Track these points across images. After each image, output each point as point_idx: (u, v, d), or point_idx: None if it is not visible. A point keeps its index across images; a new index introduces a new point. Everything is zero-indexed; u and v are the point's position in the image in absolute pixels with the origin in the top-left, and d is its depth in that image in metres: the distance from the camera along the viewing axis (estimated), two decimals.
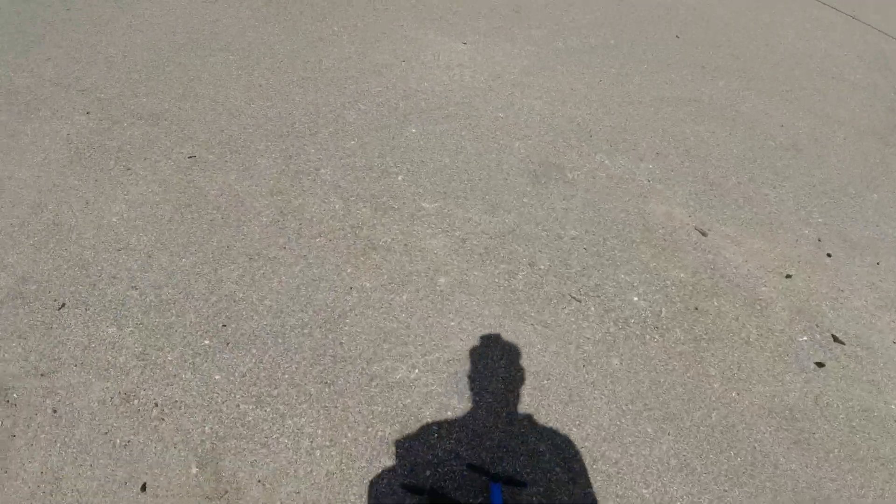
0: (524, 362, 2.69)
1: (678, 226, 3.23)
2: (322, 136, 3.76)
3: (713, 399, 2.64)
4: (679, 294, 2.90)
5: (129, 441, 2.40)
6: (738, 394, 2.63)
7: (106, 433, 2.43)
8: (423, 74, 4.15)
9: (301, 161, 3.58)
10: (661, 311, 2.95)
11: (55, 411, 2.47)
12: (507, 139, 3.87)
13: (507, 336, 2.77)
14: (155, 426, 2.43)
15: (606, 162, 3.69)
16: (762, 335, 2.79)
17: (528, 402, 2.56)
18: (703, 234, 3.19)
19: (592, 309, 2.92)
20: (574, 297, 2.95)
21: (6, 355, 2.64)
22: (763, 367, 2.67)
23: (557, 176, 3.61)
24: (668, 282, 2.93)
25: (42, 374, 2.57)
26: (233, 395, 2.51)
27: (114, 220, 3.13)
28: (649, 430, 2.52)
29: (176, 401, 2.49)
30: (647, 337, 2.83)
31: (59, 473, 2.33)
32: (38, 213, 3.12)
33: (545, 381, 2.64)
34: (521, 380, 2.64)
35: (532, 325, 2.82)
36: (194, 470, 2.34)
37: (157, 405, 2.47)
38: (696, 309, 2.96)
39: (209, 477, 2.32)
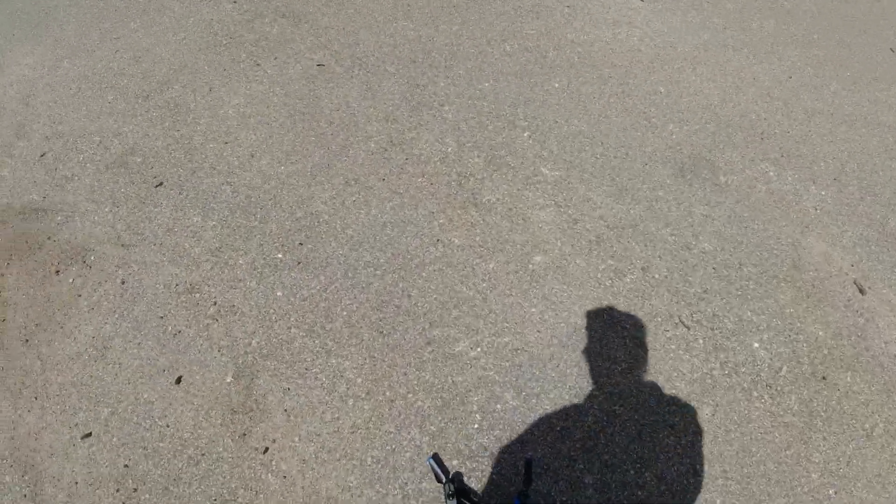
0: (600, 378, 2.26)
1: (834, 273, 2.53)
2: (457, 71, 3.44)
3: (805, 491, 2.03)
4: (810, 355, 2.27)
5: (180, 331, 2.33)
6: (835, 492, 2.01)
7: (162, 317, 2.37)
8: (584, 25, 3.64)
9: (427, 93, 3.29)
10: (781, 369, 2.33)
11: (123, 283, 2.46)
12: (660, 119, 3.30)
13: (592, 343, 2.34)
14: (207, 325, 2.33)
15: (771, 174, 3.01)
16: (889, 433, 2.11)
17: (591, 424, 2.14)
18: (862, 291, 2.47)
19: (700, 342, 2.39)
20: (683, 322, 2.43)
21: (97, 218, 2.67)
22: (876, 471, 2.01)
23: (707, 176, 3.01)
24: (802, 336, 2.30)
25: (122, 245, 2.57)
26: (288, 315, 2.34)
27: (230, 111, 3.06)
28: (718, 502, 2.01)
29: (234, 305, 2.37)
30: (756, 394, 2.25)
31: (108, 343, 2.32)
32: (164, 89, 3.13)
33: (617, 407, 2.21)
34: (591, 397, 2.22)
35: (624, 338, 2.37)
36: (229, 378, 2.22)
37: (215, 304, 2.38)
38: (824, 378, 2.31)
39: (241, 390, 2.19)
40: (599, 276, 2.50)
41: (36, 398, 2.29)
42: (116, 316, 2.41)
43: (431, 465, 1.92)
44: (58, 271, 2.57)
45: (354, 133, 3.01)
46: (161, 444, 2.14)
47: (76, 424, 2.22)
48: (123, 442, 2.15)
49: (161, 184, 2.76)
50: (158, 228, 2.62)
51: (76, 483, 2.12)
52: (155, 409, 2.20)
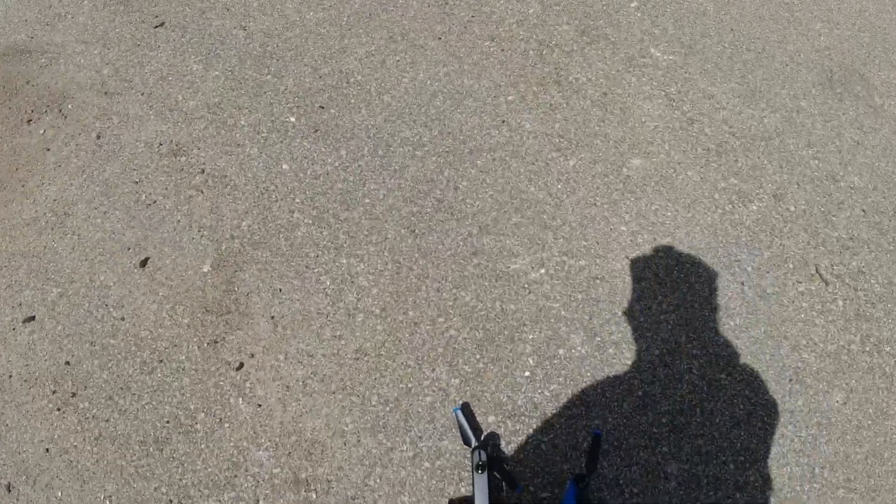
0: (704, 333, 1.52)
1: None
2: None
3: None
4: None
5: (155, 202, 1.74)
6: None
7: (137, 182, 1.79)
8: None
9: None
10: None
11: (99, 137, 1.90)
12: (805, 14, 2.36)
13: (698, 284, 1.59)
14: (189, 197, 1.73)
15: None
16: None
17: (684, 394, 1.44)
18: None
19: (840, 304, 1.61)
20: (820, 275, 1.63)
21: (83, 61, 2.11)
22: None
23: (861, 94, 2.09)
24: None
25: (106, 93, 2.01)
26: (292, 195, 1.71)
27: None
28: None
29: (226, 176, 1.75)
30: None
31: (70, 209, 1.80)
32: None
33: (723, 375, 1.51)
34: (690, 356, 1.49)
35: (742, 284, 1.64)
36: (206, 268, 1.61)
37: (203, 172, 1.76)
38: None
39: (219, 284, 1.58)
40: (717, 196, 1.72)
41: None
42: (84, 177, 1.84)
43: (458, 419, 1.42)
44: (30, 120, 2.02)
45: None
46: (112, 342, 1.58)
47: (20, 304, 1.70)
48: (69, 333, 1.61)
49: (162, 24, 2.13)
50: (150, 76, 2.01)
51: (10, 376, 1.62)
52: (111, 296, 1.63)
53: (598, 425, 1.45)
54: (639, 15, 2.24)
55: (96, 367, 1.60)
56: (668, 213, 1.72)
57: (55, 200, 1.87)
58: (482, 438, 1.45)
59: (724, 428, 1.44)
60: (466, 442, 1.37)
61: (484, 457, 1.24)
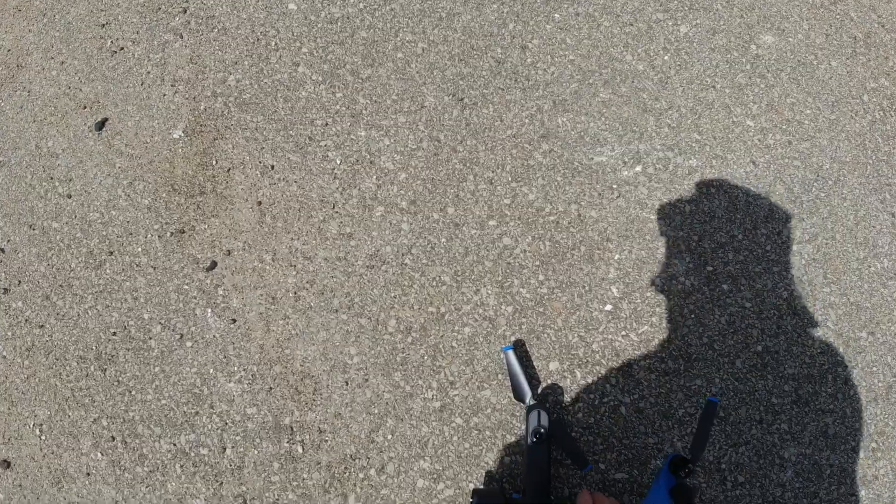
0: (844, 275, 1.10)
1: None
2: None
3: None
4: None
5: (122, 48, 1.32)
6: None
7: (103, 25, 1.43)
8: None
9: None
10: None
11: None
12: None
13: (842, 206, 1.10)
14: (165, 42, 1.27)
15: None
16: None
17: (813, 352, 1.04)
18: None
19: None
20: None
21: None
22: None
23: None
24: None
25: None
26: (298, 44, 1.26)
27: None
28: None
29: (214, 16, 1.29)
30: None
31: (24, 59, 1.55)
32: None
33: (863, 334, 1.01)
34: (824, 304, 1.10)
35: (893, 215, 1.16)
36: (178, 133, 1.15)
37: (185, 11, 1.33)
38: None
39: (192, 155, 1.14)
40: (866, 99, 1.16)
41: None
42: (45, 20, 1.41)
43: (509, 363, 1.02)
44: None
45: None
46: (54, 225, 1.15)
47: None
48: (7, 212, 1.21)
49: None
50: None
51: None
52: (59, 166, 1.21)
53: (714, 390, 0.94)
54: None
55: (34, 256, 1.18)
56: (808, 111, 1.15)
57: (9, 51, 1.44)
58: (539, 392, 0.96)
59: (858, 404, 1.02)
60: (519, 396, 0.90)
61: (546, 420, 0.78)
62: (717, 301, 1.06)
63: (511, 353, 0.97)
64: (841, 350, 1.03)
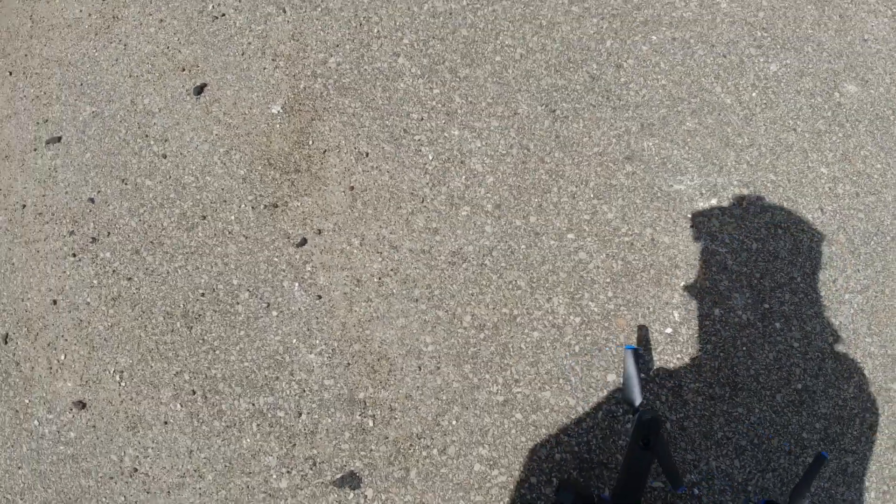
0: (888, 329, 1.05)
1: None
2: None
3: None
4: None
5: (224, 14, 1.35)
6: None
7: None
8: None
9: None
10: None
11: None
12: None
13: None
14: (269, 14, 1.32)
15: None
16: None
17: (846, 396, 0.98)
18: None
19: None
20: None
21: None
22: None
23: None
24: None
25: None
26: (400, 34, 1.37)
27: None
28: None
29: None
30: None
31: (120, 12, 1.55)
32: None
33: (894, 385, 1.01)
34: (864, 353, 1.19)
35: None
36: (276, 109, 1.19)
37: None
38: None
39: (289, 133, 1.18)
40: None
41: (10, 73, 1.40)
42: None
43: (626, 365, 1.03)
44: None
45: None
46: (147, 182, 1.19)
47: (46, 121, 1.34)
48: (98, 164, 1.24)
49: None
50: None
51: (23, 206, 1.28)
52: (154, 125, 1.24)
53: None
54: None
55: (125, 210, 1.23)
56: (878, 165, 1.20)
57: (104, 1, 1.44)
58: (648, 409, 1.03)
59: (880, 449, 1.09)
60: (629, 399, 0.95)
61: (657, 429, 0.82)
62: (769, 337, 1.13)
63: (631, 353, 1.03)
64: (872, 397, 1.11)
